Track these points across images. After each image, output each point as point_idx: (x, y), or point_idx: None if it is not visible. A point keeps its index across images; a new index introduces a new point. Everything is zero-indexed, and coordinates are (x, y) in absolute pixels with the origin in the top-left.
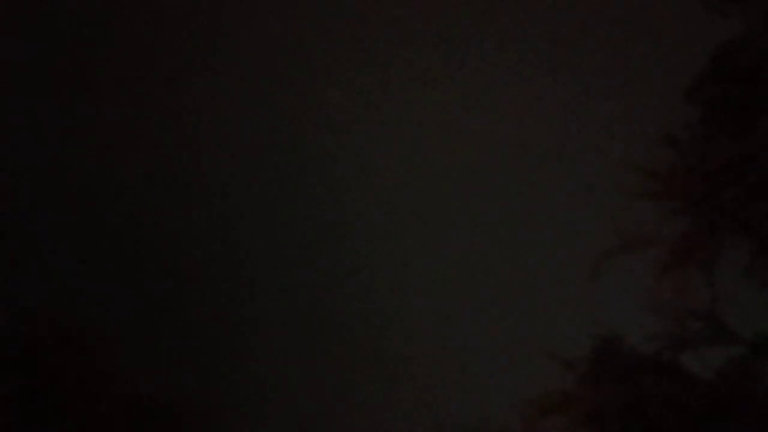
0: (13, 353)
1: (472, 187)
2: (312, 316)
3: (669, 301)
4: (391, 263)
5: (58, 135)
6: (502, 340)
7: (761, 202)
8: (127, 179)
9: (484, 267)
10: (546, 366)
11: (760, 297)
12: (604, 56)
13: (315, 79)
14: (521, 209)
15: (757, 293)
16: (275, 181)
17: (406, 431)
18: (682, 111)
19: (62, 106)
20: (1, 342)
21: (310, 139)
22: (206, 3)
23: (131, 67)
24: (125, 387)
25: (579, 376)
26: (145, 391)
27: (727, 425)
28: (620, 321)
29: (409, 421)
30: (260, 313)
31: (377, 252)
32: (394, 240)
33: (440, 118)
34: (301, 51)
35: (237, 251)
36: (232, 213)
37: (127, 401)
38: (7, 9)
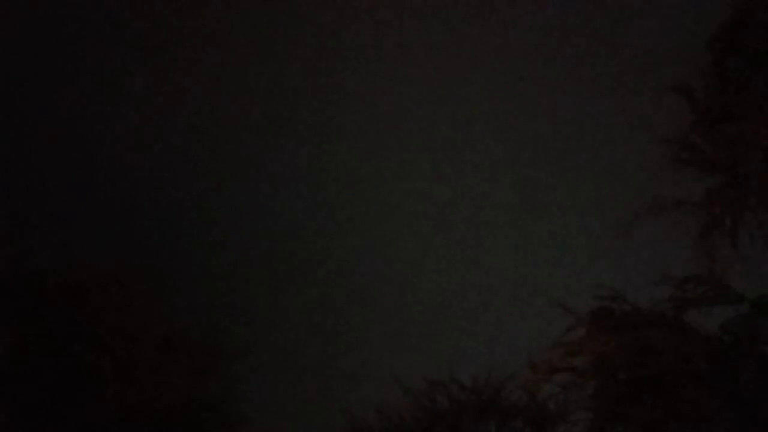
0: (58, 295)
1: (481, 149)
2: (336, 265)
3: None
4: (406, 222)
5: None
6: (513, 297)
7: None
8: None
9: (496, 230)
10: (554, 321)
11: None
12: (615, 15)
13: (320, 77)
14: (533, 171)
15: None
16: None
17: (419, 379)
18: (695, 62)
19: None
20: (47, 285)
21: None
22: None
23: (139, 64)
24: (160, 326)
25: (585, 329)
26: (178, 330)
27: (728, 376)
28: (625, 288)
29: (422, 371)
30: (289, 257)
31: (390, 212)
32: (408, 201)
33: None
34: (306, 49)
35: (264, 205)
36: (258, 168)
37: (162, 339)
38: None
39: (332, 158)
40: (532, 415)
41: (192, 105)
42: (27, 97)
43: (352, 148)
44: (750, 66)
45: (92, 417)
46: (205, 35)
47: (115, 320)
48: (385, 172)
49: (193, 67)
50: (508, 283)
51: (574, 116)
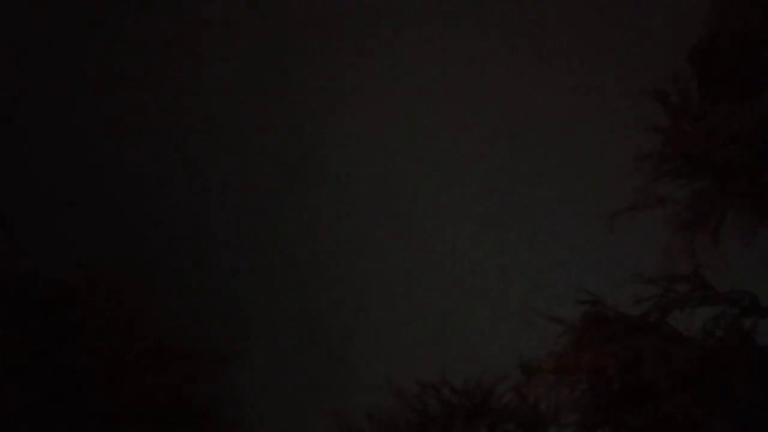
0: (49, 298)
1: (466, 153)
2: (328, 269)
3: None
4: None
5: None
6: (504, 299)
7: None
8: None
9: (487, 233)
10: (545, 322)
11: (742, 258)
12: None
13: (314, 75)
14: (514, 174)
15: (740, 254)
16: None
17: (410, 382)
18: (670, 66)
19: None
20: (37, 287)
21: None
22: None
23: (133, 62)
24: (153, 328)
25: (571, 339)
26: (170, 333)
27: (717, 380)
28: (606, 287)
29: (413, 373)
30: (282, 261)
31: (381, 215)
32: (395, 206)
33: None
34: (300, 47)
35: (258, 207)
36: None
37: (154, 341)
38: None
39: (324, 161)
40: (523, 417)
41: (186, 106)
42: (19, 99)
43: (345, 151)
44: (728, 74)
45: (83, 420)
46: (203, 35)
47: (107, 323)
48: (376, 176)
49: (186, 65)
50: (499, 284)
51: (556, 117)
